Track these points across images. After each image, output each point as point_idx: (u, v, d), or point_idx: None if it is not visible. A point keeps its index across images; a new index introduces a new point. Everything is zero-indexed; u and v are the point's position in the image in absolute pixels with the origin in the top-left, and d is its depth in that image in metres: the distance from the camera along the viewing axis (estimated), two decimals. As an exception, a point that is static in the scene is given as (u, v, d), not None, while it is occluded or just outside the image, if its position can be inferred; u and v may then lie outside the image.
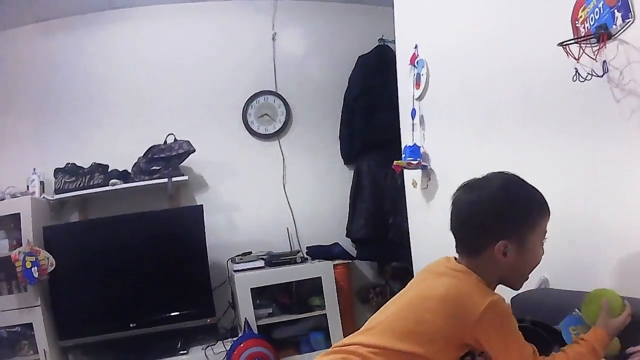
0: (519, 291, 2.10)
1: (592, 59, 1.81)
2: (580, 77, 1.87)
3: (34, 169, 4.50)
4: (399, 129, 3.51)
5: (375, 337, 1.61)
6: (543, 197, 1.66)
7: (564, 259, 2.11)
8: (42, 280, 4.09)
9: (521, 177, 1.67)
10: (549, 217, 1.66)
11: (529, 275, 1.70)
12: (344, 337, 4.07)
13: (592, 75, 1.82)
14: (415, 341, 1.54)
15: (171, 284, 4.43)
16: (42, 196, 4.46)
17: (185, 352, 4.22)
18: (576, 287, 1.97)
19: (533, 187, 1.68)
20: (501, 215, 1.62)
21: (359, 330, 1.71)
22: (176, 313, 4.36)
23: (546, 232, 1.66)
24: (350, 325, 4.82)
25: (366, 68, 4.96)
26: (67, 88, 4.82)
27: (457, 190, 1.74)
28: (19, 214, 4.19)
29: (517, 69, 2.33)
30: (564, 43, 1.87)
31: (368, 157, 4.77)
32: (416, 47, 3.20)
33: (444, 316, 1.54)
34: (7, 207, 4.26)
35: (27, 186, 4.46)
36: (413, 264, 3.57)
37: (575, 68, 1.87)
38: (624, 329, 1.59)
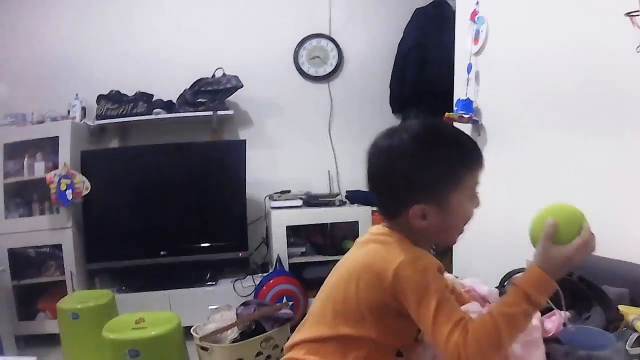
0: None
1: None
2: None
3: (76, 94, 4.54)
4: (450, 82, 3.45)
5: (310, 329, 1.47)
6: (471, 144, 1.42)
7: (608, 227, 2.08)
8: (76, 203, 4.18)
9: (452, 126, 1.51)
10: (480, 168, 1.39)
11: (462, 230, 1.43)
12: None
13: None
14: (345, 322, 1.38)
15: (206, 216, 4.48)
16: (82, 121, 4.50)
17: (213, 283, 4.29)
18: (617, 255, 1.94)
19: (460, 134, 1.46)
20: (410, 177, 1.35)
21: (301, 322, 1.56)
22: (208, 244, 4.42)
23: (478, 183, 1.40)
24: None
25: (422, 20, 4.85)
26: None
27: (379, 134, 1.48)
28: (57, 137, 4.24)
29: (580, 38, 2.27)
30: (631, 13, 1.82)
31: (417, 107, 4.70)
32: (477, 3, 3.14)
33: (365, 286, 1.35)
34: (47, 130, 4.31)
35: (68, 111, 4.50)
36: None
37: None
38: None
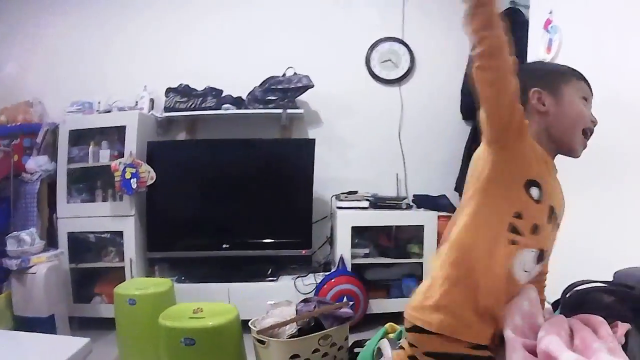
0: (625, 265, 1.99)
1: None
2: None
3: (145, 86, 4.61)
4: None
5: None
6: (581, 74, 1.66)
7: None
8: (140, 192, 4.23)
9: None
10: (582, 83, 1.64)
11: (582, 139, 1.60)
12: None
13: None
14: (471, 196, 1.52)
15: (271, 212, 4.48)
16: (150, 112, 4.58)
17: (274, 279, 4.26)
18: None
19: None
20: (533, 67, 1.78)
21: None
22: (271, 240, 4.41)
23: (585, 98, 1.63)
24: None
25: (495, 27, 4.75)
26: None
27: None
28: (124, 126, 4.31)
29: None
30: None
31: (487, 115, 4.59)
32: (551, 12, 3.10)
33: (487, 155, 1.49)
34: (114, 119, 4.40)
35: (136, 102, 4.58)
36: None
37: None
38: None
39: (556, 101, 1.57)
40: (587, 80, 1.65)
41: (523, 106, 1.45)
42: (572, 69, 1.65)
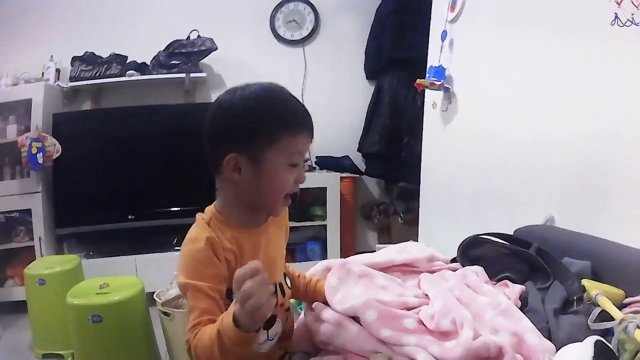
0: (524, 223, 2.12)
1: (635, 6, 1.74)
2: (619, 22, 1.80)
3: (51, 56, 4.48)
4: (427, 50, 3.44)
5: None
6: (299, 112, 1.40)
7: (573, 200, 2.11)
8: (46, 167, 4.13)
9: (288, 91, 1.43)
10: (300, 136, 1.37)
11: (284, 201, 1.42)
12: (341, 250, 4.10)
13: (631, 22, 1.76)
14: None
15: (176, 179, 4.44)
16: (56, 83, 4.45)
17: (179, 248, 4.21)
18: (581, 229, 1.97)
19: (292, 100, 1.42)
20: (231, 122, 1.35)
21: None
22: (177, 209, 4.39)
23: (300, 153, 1.40)
24: (349, 239, 4.88)
25: (402, -14, 4.82)
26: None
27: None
28: (30, 99, 4.18)
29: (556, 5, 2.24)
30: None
31: (391, 74, 4.67)
32: None
33: None
34: (20, 93, 4.25)
35: (42, 73, 4.44)
36: (421, 186, 3.58)
37: (615, 13, 1.81)
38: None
39: (255, 167, 1.34)
40: (309, 126, 1.41)
41: (218, 172, 1.38)
42: (300, 117, 1.40)
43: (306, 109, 1.42)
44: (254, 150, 1.32)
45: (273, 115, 1.34)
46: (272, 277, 1.45)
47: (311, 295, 1.65)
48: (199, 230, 1.38)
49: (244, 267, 1.11)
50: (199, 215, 1.44)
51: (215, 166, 1.37)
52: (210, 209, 1.44)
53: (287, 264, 1.66)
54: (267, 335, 1.42)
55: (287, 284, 1.55)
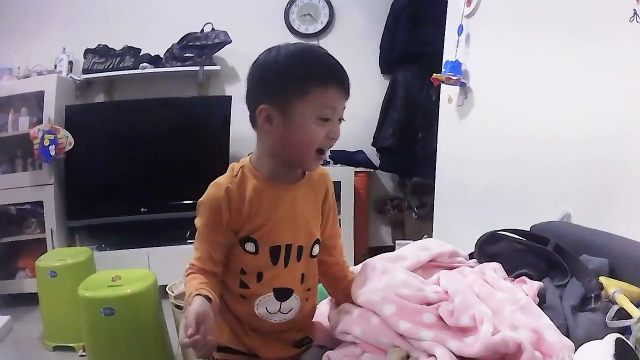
0: (540, 220, 2.10)
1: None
2: (638, 19, 1.78)
3: (64, 48, 4.46)
4: (442, 45, 3.40)
5: None
6: (330, 66, 1.40)
7: (589, 197, 2.10)
8: (58, 159, 4.12)
9: (326, 50, 1.45)
10: (331, 90, 1.37)
11: (315, 156, 1.43)
12: (354, 244, 4.04)
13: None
14: None
15: (188, 172, 4.35)
16: (69, 75, 4.44)
17: (193, 241, 4.20)
18: (597, 226, 1.94)
19: (327, 56, 1.42)
20: (264, 75, 1.40)
21: None
22: (189, 201, 4.33)
23: (333, 109, 1.39)
24: (363, 234, 4.85)
25: (417, -21, 4.79)
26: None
27: None
28: (43, 92, 4.16)
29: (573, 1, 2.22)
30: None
31: (406, 68, 4.65)
32: None
33: None
34: (32, 85, 4.24)
35: (55, 65, 4.43)
36: (436, 181, 3.55)
37: (634, 9, 1.79)
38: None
39: (285, 119, 1.37)
40: (340, 81, 1.41)
41: (254, 124, 1.43)
42: (322, 71, 1.39)
43: (342, 67, 1.42)
44: (284, 102, 1.36)
45: (303, 68, 1.37)
46: (293, 237, 1.48)
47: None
48: (224, 178, 1.46)
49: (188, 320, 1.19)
50: (232, 163, 1.51)
51: (252, 117, 1.42)
52: (244, 159, 1.51)
53: (350, 268, 1.71)
54: (280, 307, 1.48)
55: (310, 253, 1.54)
